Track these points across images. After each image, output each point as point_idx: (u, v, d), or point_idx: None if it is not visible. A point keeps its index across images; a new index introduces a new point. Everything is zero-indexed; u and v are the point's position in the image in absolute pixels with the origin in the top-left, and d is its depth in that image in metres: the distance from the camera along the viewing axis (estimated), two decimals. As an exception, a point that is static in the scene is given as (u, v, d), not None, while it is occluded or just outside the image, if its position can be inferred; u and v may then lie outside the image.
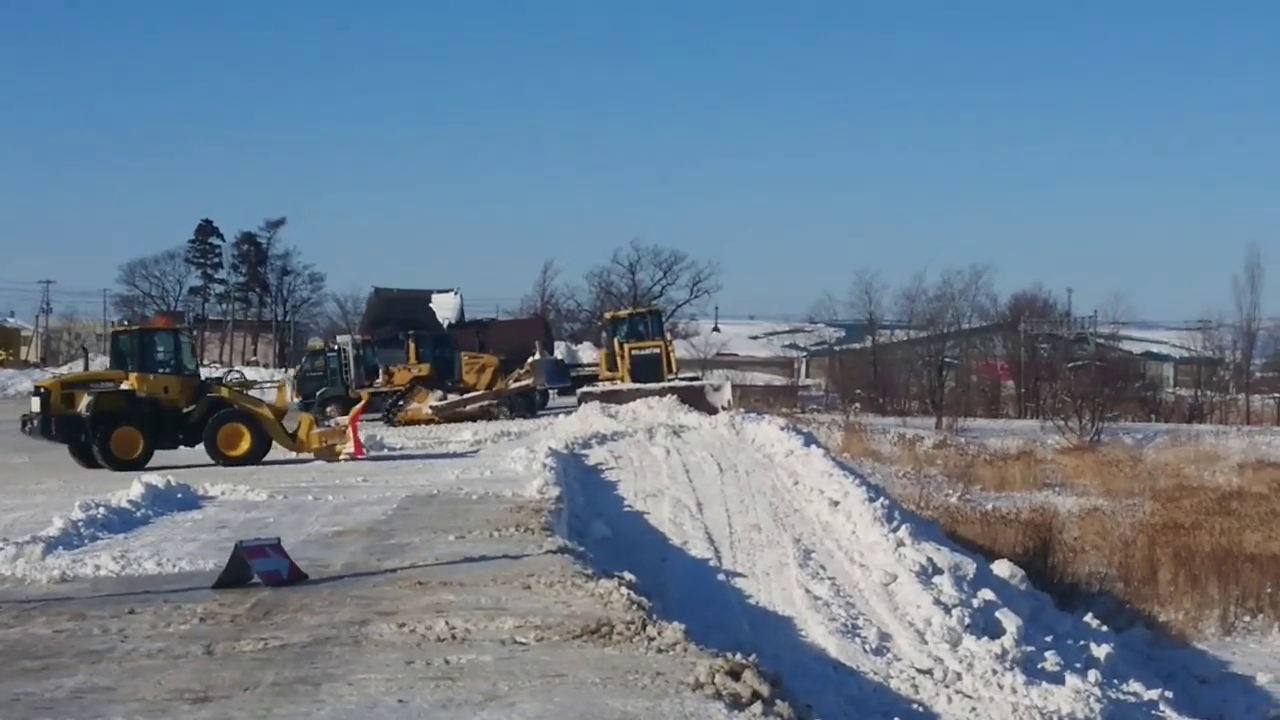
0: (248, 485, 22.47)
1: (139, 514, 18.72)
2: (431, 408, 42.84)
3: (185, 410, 29.27)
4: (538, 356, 47.88)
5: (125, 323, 34.25)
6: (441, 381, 45.92)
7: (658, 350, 41.67)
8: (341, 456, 29.36)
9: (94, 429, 28.30)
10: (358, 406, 33.10)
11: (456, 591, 12.16)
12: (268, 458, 28.92)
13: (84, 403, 28.46)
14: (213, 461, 28.32)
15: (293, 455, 29.20)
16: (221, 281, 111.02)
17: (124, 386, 29.01)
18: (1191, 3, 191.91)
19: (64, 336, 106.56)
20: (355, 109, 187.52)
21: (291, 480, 24.34)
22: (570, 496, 22.19)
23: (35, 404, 29.34)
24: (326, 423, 34.86)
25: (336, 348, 55.64)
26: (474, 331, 61.96)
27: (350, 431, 30.18)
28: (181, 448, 29.35)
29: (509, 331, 58.56)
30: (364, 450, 30.01)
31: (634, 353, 41.38)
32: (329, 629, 10.65)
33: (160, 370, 29.58)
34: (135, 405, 28.81)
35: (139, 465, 27.49)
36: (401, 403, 44.05)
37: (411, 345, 49.72)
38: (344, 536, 16.79)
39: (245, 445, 28.94)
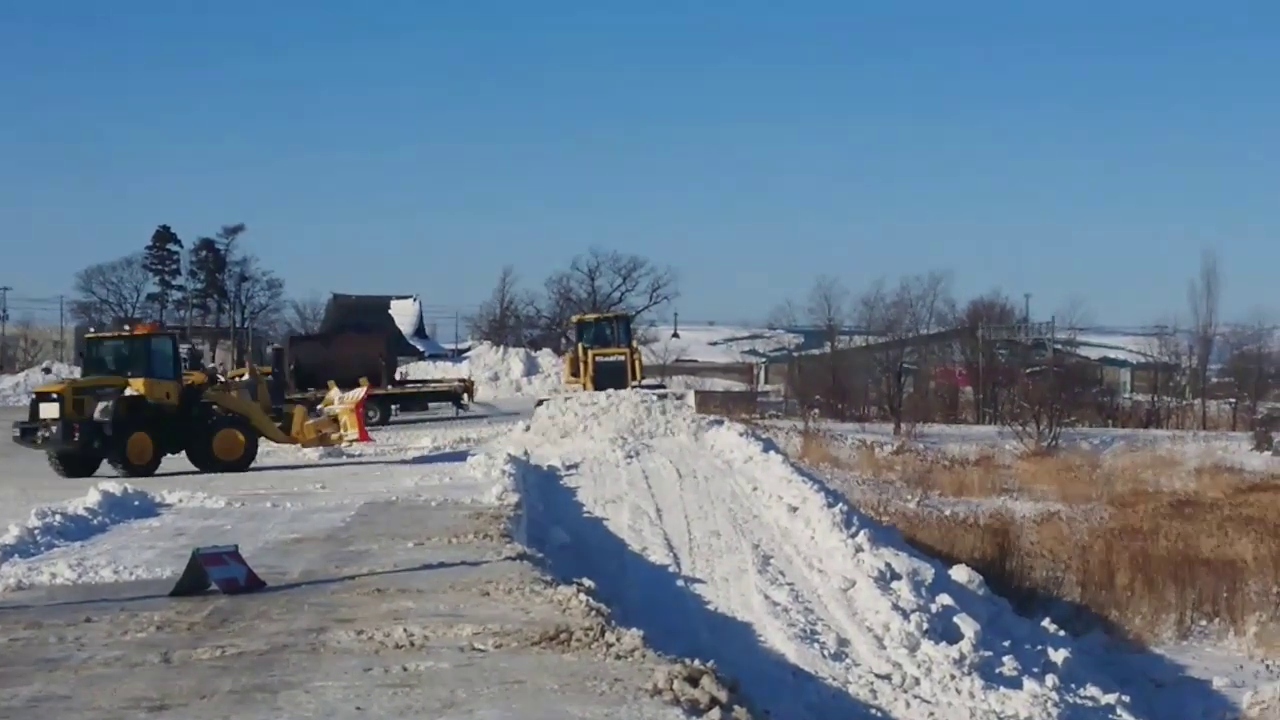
0: (205, 492, 22.39)
1: (96, 521, 18.62)
2: None
3: (182, 416, 29.12)
4: (246, 376, 48.25)
5: (93, 330, 33.75)
6: None
7: (622, 358, 41.30)
8: (345, 443, 29.69)
9: (115, 435, 27.88)
10: (361, 395, 32.98)
11: (415, 599, 12.14)
12: (274, 461, 29.00)
13: (100, 408, 27.95)
14: (199, 469, 28.18)
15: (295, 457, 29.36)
16: (179, 288, 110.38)
17: (130, 392, 28.58)
18: (1144, 17, 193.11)
19: (20, 343, 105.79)
20: (314, 116, 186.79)
21: (249, 487, 24.25)
22: (529, 503, 22.16)
23: (46, 410, 28.20)
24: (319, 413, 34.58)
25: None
26: (319, 344, 62.86)
27: (355, 418, 30.37)
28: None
29: (351, 346, 59.04)
30: (370, 436, 30.30)
31: (598, 359, 41.03)
32: (287, 636, 10.62)
33: (159, 376, 29.24)
34: (146, 411, 28.53)
35: (150, 471, 27.46)
36: None
37: None
38: (302, 544, 16.74)
39: (241, 450, 29.03)
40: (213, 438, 29.03)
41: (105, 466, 28.43)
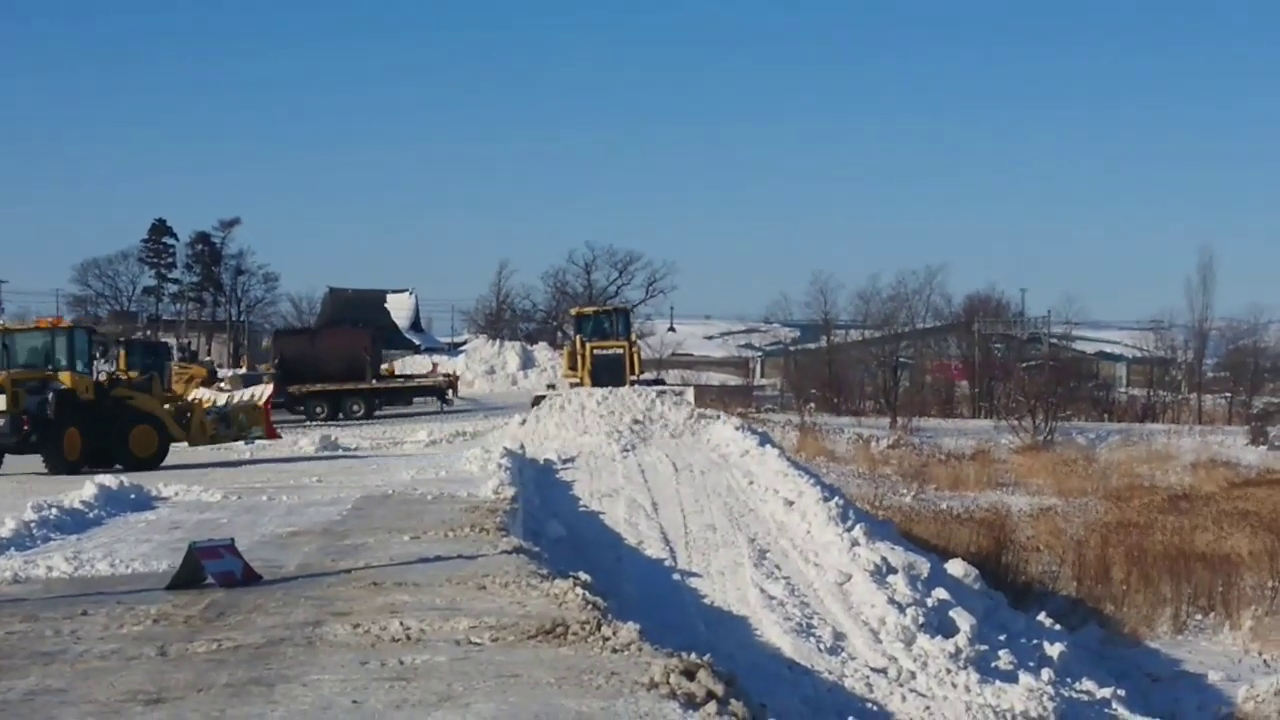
0: (201, 485, 22.38)
1: (92, 515, 18.60)
2: None
3: (98, 411, 28.59)
4: (243, 371, 48.74)
5: (3, 322, 33.53)
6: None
7: (621, 351, 40.81)
8: (250, 440, 29.72)
9: (57, 430, 27.36)
10: (270, 392, 32.95)
11: (411, 592, 12.13)
12: (270, 455, 28.93)
13: (47, 401, 27.31)
14: (117, 466, 27.44)
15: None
16: (175, 281, 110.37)
17: (62, 387, 27.92)
18: (1143, 17, 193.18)
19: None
20: (312, 112, 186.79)
21: (246, 480, 24.24)
22: (525, 496, 22.17)
23: None
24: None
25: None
26: (305, 338, 62.99)
27: (262, 415, 30.43)
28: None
29: (338, 340, 59.10)
30: (278, 433, 30.45)
31: (596, 352, 40.58)
32: (283, 630, 10.61)
33: (79, 370, 28.58)
34: (73, 405, 27.99)
35: (79, 468, 26.87)
36: None
37: (122, 352, 49.10)
38: (298, 537, 16.73)
39: (156, 446, 28.74)
40: (129, 434, 28.69)
41: (9, 463, 28.13)
